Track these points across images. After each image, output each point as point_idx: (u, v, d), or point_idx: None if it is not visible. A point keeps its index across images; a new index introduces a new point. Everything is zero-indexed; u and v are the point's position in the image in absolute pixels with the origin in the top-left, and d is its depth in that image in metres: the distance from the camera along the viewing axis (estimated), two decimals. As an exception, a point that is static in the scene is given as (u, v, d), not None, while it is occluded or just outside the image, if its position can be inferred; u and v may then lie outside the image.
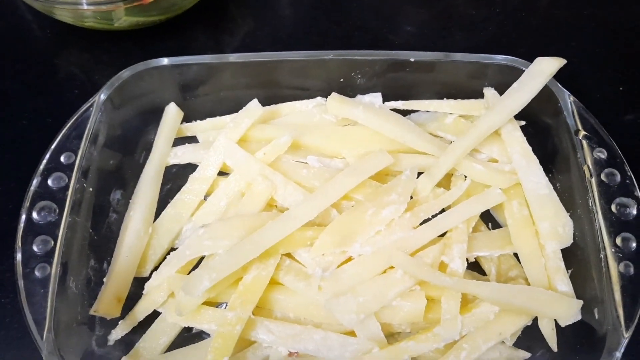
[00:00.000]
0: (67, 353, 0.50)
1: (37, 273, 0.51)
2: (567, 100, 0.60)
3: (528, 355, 0.54)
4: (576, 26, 0.83)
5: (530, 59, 0.61)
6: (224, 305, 0.57)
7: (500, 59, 0.63)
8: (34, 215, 0.54)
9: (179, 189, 0.63)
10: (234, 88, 0.68)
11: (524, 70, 0.62)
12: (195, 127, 0.68)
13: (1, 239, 0.62)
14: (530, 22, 0.84)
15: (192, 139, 0.68)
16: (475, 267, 0.59)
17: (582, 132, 0.58)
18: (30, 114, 0.73)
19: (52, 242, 0.53)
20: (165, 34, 0.81)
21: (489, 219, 0.62)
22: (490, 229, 0.61)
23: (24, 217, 0.54)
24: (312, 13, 0.86)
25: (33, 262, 0.52)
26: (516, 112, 0.59)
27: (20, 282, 0.51)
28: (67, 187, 0.55)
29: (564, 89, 0.61)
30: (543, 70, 0.59)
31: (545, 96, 0.60)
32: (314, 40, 0.83)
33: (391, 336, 0.55)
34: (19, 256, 0.52)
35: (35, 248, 0.52)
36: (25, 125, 0.72)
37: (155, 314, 0.56)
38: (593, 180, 0.55)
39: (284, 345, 0.53)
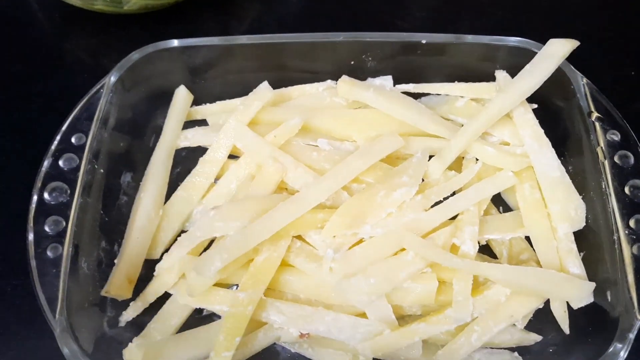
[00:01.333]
0: (79, 334, 0.50)
1: (49, 253, 0.51)
2: (580, 83, 0.60)
3: (539, 337, 0.54)
4: (588, 9, 0.82)
5: (542, 41, 0.61)
6: (235, 287, 0.57)
7: (512, 40, 0.63)
8: (46, 195, 0.54)
9: (188, 172, 0.63)
10: (243, 71, 0.68)
11: (535, 52, 0.61)
12: (205, 110, 0.68)
13: (12, 221, 0.62)
14: (540, 5, 0.83)
15: (202, 122, 0.68)
16: (486, 250, 0.59)
17: (595, 114, 0.58)
18: (40, 97, 0.73)
19: (64, 223, 0.53)
20: (173, 19, 0.81)
21: (499, 202, 0.62)
22: (501, 212, 0.61)
23: (35, 197, 0.54)
24: (320, -3, 0.85)
25: (45, 242, 0.52)
26: (528, 95, 0.58)
27: (33, 262, 0.51)
28: (78, 168, 0.55)
29: (577, 71, 0.60)
30: (556, 52, 0.58)
31: (557, 78, 0.59)
32: (322, 24, 0.82)
33: (401, 318, 0.55)
34: (30, 236, 0.52)
35: (47, 228, 0.52)
36: (34, 108, 0.72)
37: (166, 296, 0.56)
38: (606, 163, 0.55)
39: (295, 327, 0.53)
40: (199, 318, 0.57)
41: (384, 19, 0.83)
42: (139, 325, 0.56)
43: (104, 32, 0.80)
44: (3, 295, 0.60)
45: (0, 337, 0.57)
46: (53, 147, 0.56)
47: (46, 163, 0.55)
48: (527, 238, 0.58)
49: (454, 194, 0.58)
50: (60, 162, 0.56)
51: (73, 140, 0.57)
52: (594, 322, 0.53)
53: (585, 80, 0.59)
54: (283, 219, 0.53)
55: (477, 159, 0.61)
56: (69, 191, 0.54)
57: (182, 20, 0.81)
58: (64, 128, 0.57)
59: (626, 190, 0.54)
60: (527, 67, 0.59)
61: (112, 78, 0.61)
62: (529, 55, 0.61)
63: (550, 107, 0.62)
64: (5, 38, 0.80)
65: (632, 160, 0.55)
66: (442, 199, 0.57)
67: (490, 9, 0.84)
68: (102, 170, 0.58)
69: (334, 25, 0.82)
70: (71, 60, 0.77)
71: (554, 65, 0.58)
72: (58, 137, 0.57)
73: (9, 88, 0.75)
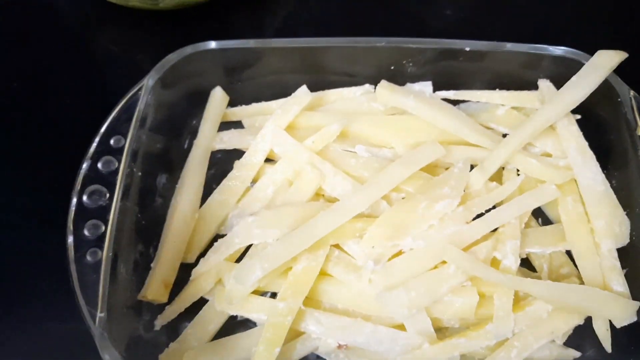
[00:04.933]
0: (116, 337, 0.50)
1: (88, 257, 0.51)
2: (628, 95, 0.58)
3: (578, 354, 0.54)
4: (634, 19, 0.80)
5: (582, 49, 0.59)
6: (268, 294, 0.57)
7: (558, 50, 0.62)
8: (85, 199, 0.53)
9: (223, 174, 0.62)
10: (279, 73, 0.67)
11: (580, 62, 0.60)
12: (241, 112, 0.67)
13: (47, 222, 0.62)
14: (579, 10, 0.81)
15: (238, 124, 0.67)
16: (525, 264, 0.58)
17: (643, 129, 0.56)
18: (73, 95, 0.73)
19: (103, 227, 0.52)
20: (206, 15, 0.80)
21: (538, 213, 0.61)
22: (540, 224, 0.60)
23: (74, 200, 0.53)
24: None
25: (84, 247, 0.51)
26: (574, 107, 0.57)
27: (73, 267, 0.51)
28: (116, 171, 0.55)
29: (624, 83, 0.59)
30: (604, 63, 0.57)
31: (603, 90, 0.58)
32: (356, 22, 0.81)
33: (439, 330, 0.54)
34: (70, 240, 0.52)
35: (86, 232, 0.52)
36: (68, 105, 0.72)
37: (201, 300, 0.56)
38: (653, 179, 0.54)
39: (333, 337, 0.52)
40: (232, 324, 0.56)
41: (418, 18, 0.81)
42: (174, 329, 0.55)
43: (138, 28, 0.79)
44: (39, 294, 0.60)
45: (35, 336, 0.57)
46: (92, 149, 0.56)
47: (85, 166, 0.55)
48: (568, 252, 0.57)
49: (494, 206, 0.57)
50: (99, 165, 0.55)
51: (111, 142, 0.56)
52: (637, 341, 0.52)
53: (633, 93, 0.58)
54: (323, 228, 0.53)
55: (518, 170, 0.60)
56: (107, 194, 0.54)
57: (215, 16, 0.80)
58: (102, 130, 0.57)
59: (673, 208, 0.53)
60: (574, 78, 0.57)
61: (150, 80, 0.60)
62: (572, 65, 0.60)
63: (594, 118, 0.61)
64: (38, 34, 0.79)
65: (679, 176, 0.54)
66: (483, 211, 0.56)
67: (527, 8, 0.82)
68: (139, 173, 0.58)
69: (367, 22, 0.80)
70: (105, 58, 0.76)
71: (602, 77, 0.57)
72: (97, 140, 0.56)
73: (41, 85, 0.74)
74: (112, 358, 0.48)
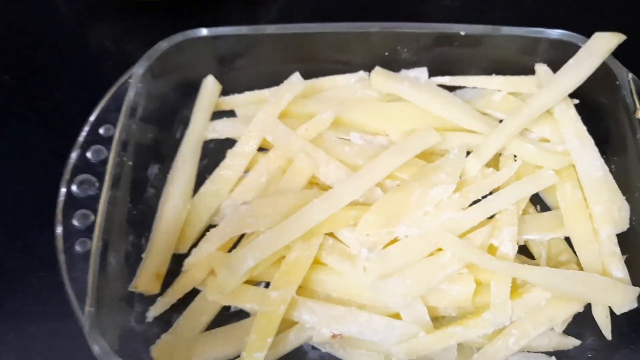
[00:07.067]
0: (108, 329, 0.49)
1: (77, 247, 0.50)
2: (626, 78, 0.57)
3: (578, 342, 0.53)
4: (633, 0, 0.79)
5: (580, 32, 0.58)
6: (262, 284, 0.56)
7: (555, 33, 0.61)
8: (74, 188, 0.53)
9: (216, 164, 0.61)
10: (273, 61, 0.66)
11: (576, 46, 0.59)
12: (233, 101, 0.66)
13: (36, 214, 0.61)
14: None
15: (230, 113, 0.66)
16: (523, 251, 0.57)
17: (641, 112, 0.55)
18: (64, 84, 0.72)
19: (92, 217, 0.52)
20: (198, 6, 0.79)
21: (537, 200, 0.60)
22: (538, 211, 0.59)
23: (64, 190, 0.52)
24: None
25: (73, 237, 0.51)
26: (571, 91, 0.56)
27: (62, 257, 0.50)
28: (106, 160, 0.54)
29: (623, 66, 0.58)
30: (601, 46, 0.56)
31: (601, 73, 0.57)
32: (351, 10, 0.80)
33: (435, 319, 0.53)
34: (59, 230, 0.51)
35: (75, 222, 0.51)
36: (59, 97, 0.71)
37: (194, 291, 0.55)
38: (653, 163, 0.53)
39: (327, 327, 0.51)
40: (227, 314, 0.55)
41: (413, 5, 0.80)
42: (166, 321, 0.54)
43: (128, 19, 0.78)
44: (29, 288, 0.59)
45: (26, 331, 0.57)
46: (81, 138, 0.55)
47: (74, 155, 0.54)
48: (567, 238, 0.56)
49: (491, 192, 0.56)
50: (89, 154, 0.54)
51: (101, 131, 0.55)
52: (637, 328, 0.51)
53: (631, 75, 0.57)
54: (316, 217, 0.52)
55: (515, 156, 0.59)
56: (97, 184, 0.53)
57: (208, 8, 0.79)
58: (91, 119, 0.56)
59: (674, 191, 0.51)
60: (571, 61, 0.56)
61: (140, 68, 0.59)
62: (569, 49, 0.59)
63: (593, 103, 0.60)
64: (28, 24, 0.79)
65: (680, 160, 0.53)
66: (480, 198, 0.55)
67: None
68: (130, 163, 0.57)
69: (362, 12, 0.79)
70: (95, 49, 0.76)
71: (599, 61, 0.56)
72: (86, 129, 0.55)
73: (33, 75, 0.73)
74: (101, 349, 0.47)
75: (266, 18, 0.79)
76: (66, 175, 0.53)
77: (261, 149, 0.62)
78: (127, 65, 0.60)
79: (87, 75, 0.73)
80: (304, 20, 0.78)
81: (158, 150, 0.62)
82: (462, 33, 0.61)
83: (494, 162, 0.60)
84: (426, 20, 0.77)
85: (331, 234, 0.55)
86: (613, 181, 0.56)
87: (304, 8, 0.80)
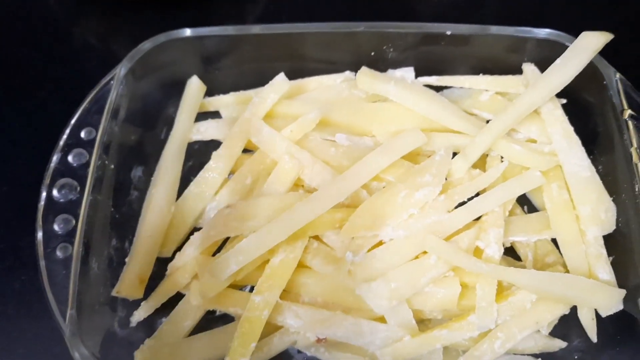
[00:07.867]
0: (90, 334, 0.49)
1: (58, 253, 0.50)
2: (613, 78, 0.57)
3: (564, 344, 0.52)
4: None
5: (572, 33, 0.57)
6: (248, 287, 0.55)
7: (542, 33, 0.60)
8: (55, 193, 0.52)
9: (201, 167, 0.60)
10: (258, 61, 0.65)
11: (564, 45, 0.58)
12: (218, 102, 0.65)
13: (20, 215, 0.61)
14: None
15: (215, 114, 0.66)
16: (510, 252, 0.56)
17: (628, 112, 0.55)
18: (48, 83, 0.71)
19: (74, 221, 0.51)
20: (185, 4, 0.78)
21: (524, 201, 0.60)
22: (525, 212, 0.59)
23: (44, 194, 0.52)
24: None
25: (54, 242, 0.50)
26: (558, 90, 0.56)
27: (42, 263, 0.49)
28: (87, 163, 0.54)
29: (610, 66, 0.57)
30: (588, 45, 0.55)
31: (589, 73, 0.56)
32: (338, 8, 0.79)
33: (421, 322, 0.53)
34: (39, 235, 0.50)
35: (56, 227, 0.51)
36: (43, 95, 0.70)
37: (178, 295, 0.55)
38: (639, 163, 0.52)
39: (312, 331, 0.51)
40: (211, 318, 0.55)
41: (404, 4, 0.79)
42: (150, 325, 0.54)
43: (114, 16, 0.77)
44: (12, 291, 0.58)
45: (9, 334, 0.56)
46: (62, 142, 0.54)
47: (55, 158, 0.53)
48: (554, 240, 0.56)
49: (477, 194, 0.56)
50: (70, 158, 0.54)
51: (82, 134, 0.55)
52: (623, 330, 0.51)
53: (618, 75, 0.57)
54: (300, 220, 0.51)
55: (502, 157, 0.59)
56: (78, 188, 0.52)
57: (195, 5, 0.78)
58: (73, 122, 0.55)
59: (661, 193, 0.51)
60: (558, 61, 0.56)
61: (122, 69, 0.58)
62: (557, 48, 0.58)
63: (580, 103, 0.60)
64: (13, 21, 0.78)
65: (667, 161, 0.52)
66: (466, 199, 0.55)
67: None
68: (112, 165, 0.56)
69: (351, 10, 0.79)
70: (80, 46, 0.75)
71: (587, 60, 0.55)
72: (67, 132, 0.54)
73: (16, 73, 0.73)
74: (82, 356, 0.46)
75: (253, 15, 0.78)
76: (47, 180, 0.52)
77: (246, 151, 0.61)
78: (114, 63, 0.59)
79: (71, 73, 0.72)
80: (291, 17, 0.77)
81: (142, 151, 0.61)
82: (449, 33, 0.60)
83: (481, 163, 0.59)
84: (416, 17, 0.78)
85: (316, 237, 0.55)
86: (600, 182, 0.55)
87: (292, 5, 0.79)
